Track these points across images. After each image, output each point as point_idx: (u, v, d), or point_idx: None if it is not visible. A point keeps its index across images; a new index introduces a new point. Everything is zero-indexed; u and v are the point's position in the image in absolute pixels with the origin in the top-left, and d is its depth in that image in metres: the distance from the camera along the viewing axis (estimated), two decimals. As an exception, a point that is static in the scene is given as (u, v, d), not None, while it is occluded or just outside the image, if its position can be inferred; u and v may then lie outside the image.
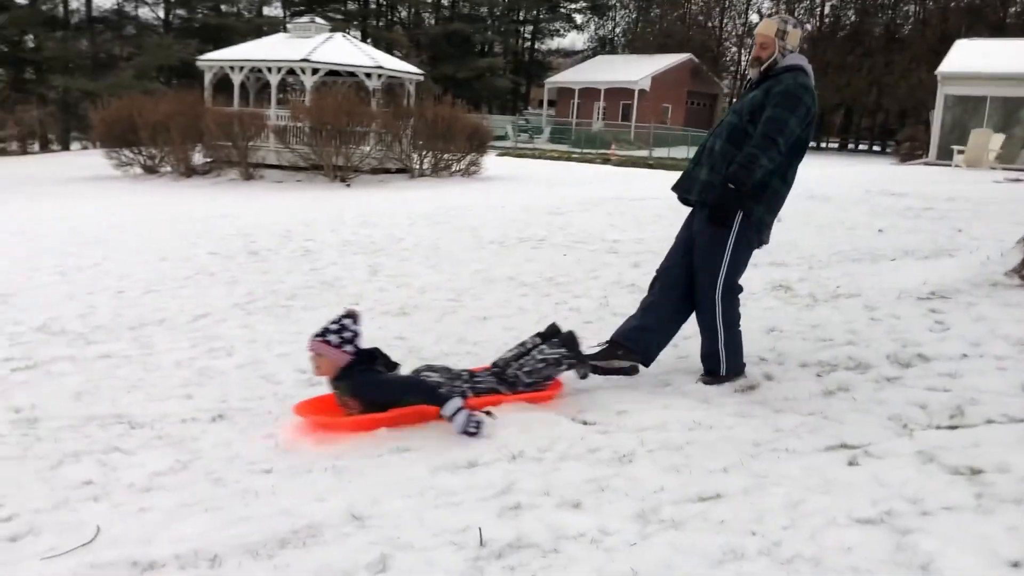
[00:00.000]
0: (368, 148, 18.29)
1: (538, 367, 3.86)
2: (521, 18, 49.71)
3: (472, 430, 3.39)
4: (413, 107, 20.00)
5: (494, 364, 3.96)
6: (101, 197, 14.99)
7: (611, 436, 3.43)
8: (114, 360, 4.69)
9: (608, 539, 2.60)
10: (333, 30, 21.58)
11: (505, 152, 28.99)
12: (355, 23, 44.44)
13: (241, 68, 19.99)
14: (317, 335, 3.57)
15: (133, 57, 36.31)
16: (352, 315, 3.64)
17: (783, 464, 3.09)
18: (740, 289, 4.11)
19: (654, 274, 4.29)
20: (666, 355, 4.30)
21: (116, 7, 39.25)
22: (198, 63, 21.10)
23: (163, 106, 18.71)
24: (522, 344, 4.03)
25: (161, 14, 40.86)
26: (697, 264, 4.05)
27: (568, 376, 4.02)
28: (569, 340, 4.00)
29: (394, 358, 4.62)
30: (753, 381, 4.06)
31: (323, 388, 3.79)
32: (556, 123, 41.80)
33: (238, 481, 3.08)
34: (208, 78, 20.57)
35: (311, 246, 8.52)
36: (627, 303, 5.60)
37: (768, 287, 6.06)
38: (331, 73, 19.87)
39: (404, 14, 49.17)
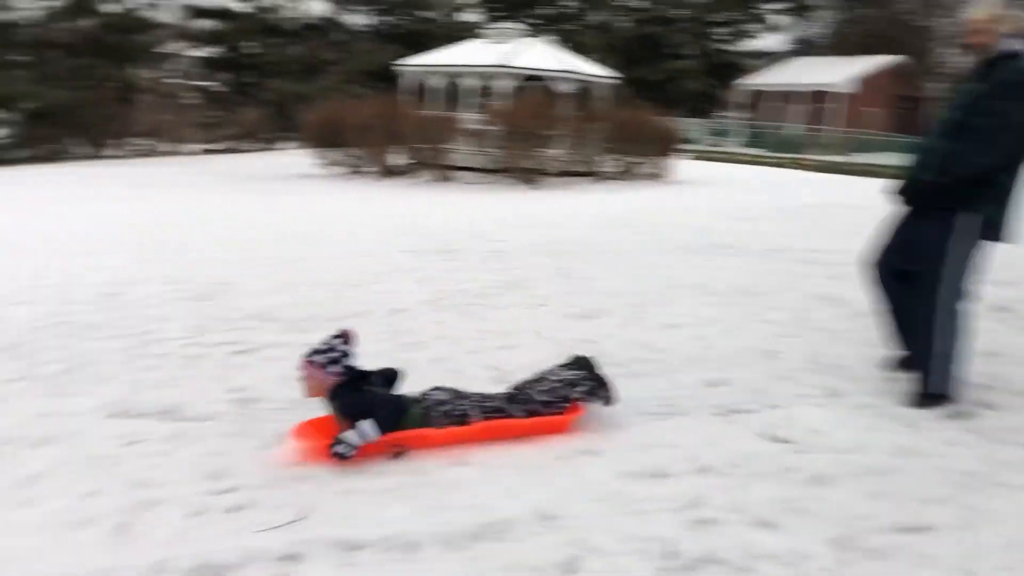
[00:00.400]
0: (557, 151, 18.49)
1: (554, 386, 3.63)
2: (716, 20, 48.64)
3: (337, 451, 3.20)
4: (604, 110, 20.03)
5: (514, 387, 3.72)
6: (308, 194, 15.98)
7: (807, 456, 3.30)
8: (320, 349, 4.98)
9: (804, 563, 2.51)
10: (529, 35, 21.98)
11: (695, 155, 28.46)
12: (550, 27, 45.03)
13: (441, 73, 20.73)
14: (305, 356, 3.49)
15: (341, 62, 38.44)
16: (343, 335, 3.52)
17: (1002, 500, 2.87)
18: (969, 296, 3.80)
19: (871, 280, 4.07)
20: (870, 374, 4.09)
21: (328, 15, 41.72)
22: (399, 68, 22.05)
23: (366, 109, 19.67)
24: (544, 370, 3.80)
25: (368, 21, 43.06)
26: (920, 269, 3.81)
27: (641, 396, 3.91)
28: (587, 363, 3.81)
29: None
30: (968, 408, 3.78)
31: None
32: (749, 126, 40.63)
33: (434, 472, 3.20)
34: (409, 82, 21.46)
35: (500, 247, 8.71)
36: (826, 317, 5.38)
37: (988, 308, 5.62)
38: (526, 77, 20.24)
39: (599, 18, 49.32)
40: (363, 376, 3.50)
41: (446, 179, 18.48)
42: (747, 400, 4.02)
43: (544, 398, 3.58)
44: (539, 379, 3.68)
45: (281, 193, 16.19)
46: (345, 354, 3.47)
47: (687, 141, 27.92)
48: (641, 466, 3.23)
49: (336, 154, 20.24)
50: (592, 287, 6.71)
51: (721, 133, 38.71)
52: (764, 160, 28.40)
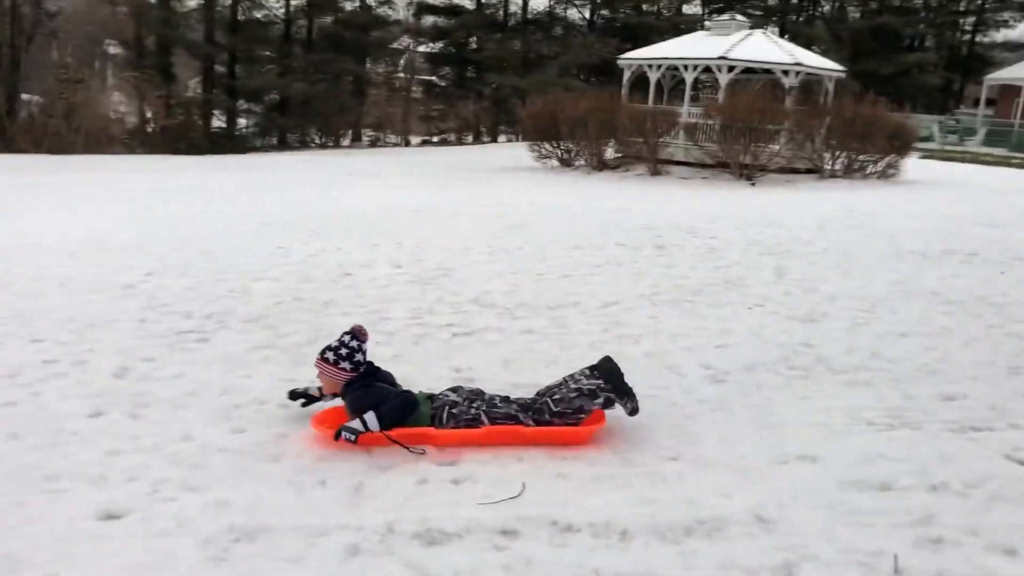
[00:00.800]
0: (777, 147, 17.83)
1: (569, 396, 3.46)
2: (962, 8, 44.88)
3: (341, 437, 3.28)
4: (830, 105, 19.09)
5: (537, 393, 3.60)
6: (523, 186, 16.34)
7: (1057, 483, 3.03)
8: (535, 336, 5.12)
9: (1051, 597, 2.31)
10: (752, 27, 21.30)
11: (929, 154, 26.49)
12: (774, 19, 43.40)
13: (659, 66, 20.53)
14: (319, 354, 3.59)
15: (558, 56, 38.98)
16: (353, 332, 3.58)
17: None
18: None
19: None
20: None
21: (548, 9, 42.42)
22: (618, 61, 22.05)
23: (583, 103, 19.84)
24: (570, 375, 3.63)
25: (587, 15, 43.37)
26: None
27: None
28: (610, 372, 3.54)
29: (799, 365, 4.52)
30: None
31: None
32: (993, 124, 37.22)
33: (646, 464, 3.21)
34: (626, 76, 21.41)
35: (715, 244, 8.54)
36: (1081, 334, 4.88)
37: None
38: (747, 70, 19.65)
39: (826, 8, 46.96)
40: (374, 372, 3.57)
41: (659, 173, 18.31)
42: (986, 418, 3.74)
43: (558, 409, 3.45)
44: (560, 385, 3.56)
45: (497, 184, 16.66)
46: (354, 351, 3.54)
47: (921, 139, 26.05)
48: (865, 477, 3.09)
49: (549, 147, 20.58)
50: (814, 289, 6.45)
51: (961, 131, 35.75)
52: (1012, 161, 25.97)
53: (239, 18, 34.68)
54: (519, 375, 4.30)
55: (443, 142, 37.83)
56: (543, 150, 20.77)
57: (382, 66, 41.50)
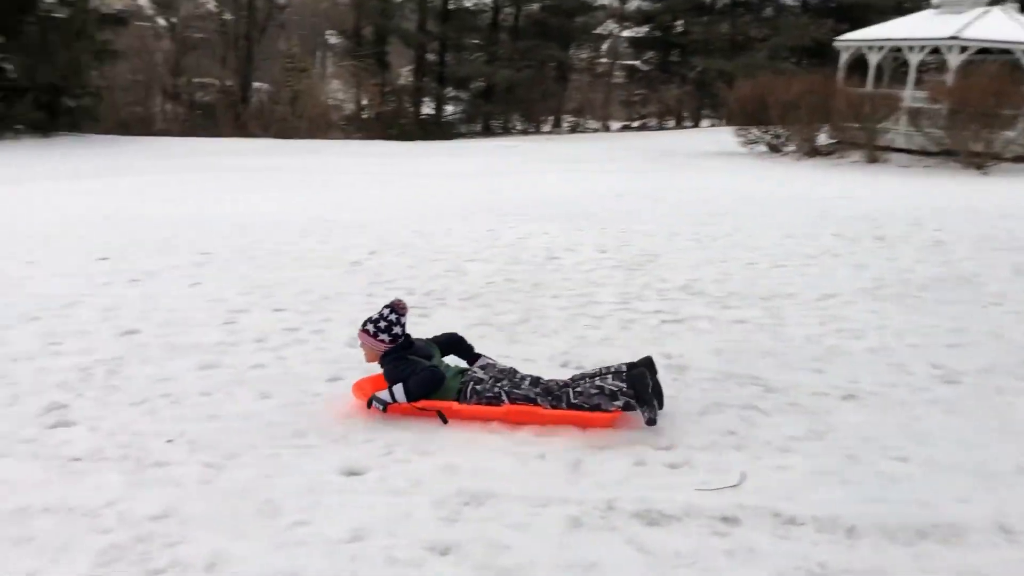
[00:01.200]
0: (1014, 134, 16.36)
1: (591, 392, 3.42)
2: None
3: (374, 406, 3.50)
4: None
5: (571, 378, 3.57)
6: (729, 172, 15.95)
7: None
8: (748, 326, 5.01)
9: None
10: (990, 3, 19.59)
11: None
12: (1013, -7, 39.73)
13: (880, 48, 19.35)
14: (361, 324, 3.71)
15: (768, 38, 37.57)
16: (393, 306, 3.69)
17: None
18: None
19: None
20: None
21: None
22: (835, 43, 20.99)
23: (795, 86, 19.06)
24: (607, 367, 3.58)
25: (800, -4, 41.50)
26: None
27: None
28: (637, 378, 3.39)
29: None
30: None
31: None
32: None
33: (872, 462, 3.09)
34: (844, 58, 20.34)
35: (941, 236, 7.99)
36: None
37: None
38: (981, 51, 18.14)
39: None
40: (409, 345, 3.68)
41: (876, 160, 17.31)
42: None
43: (575, 401, 3.44)
44: (592, 376, 3.53)
45: (701, 170, 16.36)
46: (392, 324, 3.66)
47: None
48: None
49: (757, 132, 19.96)
50: (1059, 288, 5.91)
51: None
52: None
53: (450, 7, 35.86)
54: (733, 365, 4.23)
55: (643, 127, 37.52)
56: (750, 135, 20.18)
57: (585, 52, 41.62)
